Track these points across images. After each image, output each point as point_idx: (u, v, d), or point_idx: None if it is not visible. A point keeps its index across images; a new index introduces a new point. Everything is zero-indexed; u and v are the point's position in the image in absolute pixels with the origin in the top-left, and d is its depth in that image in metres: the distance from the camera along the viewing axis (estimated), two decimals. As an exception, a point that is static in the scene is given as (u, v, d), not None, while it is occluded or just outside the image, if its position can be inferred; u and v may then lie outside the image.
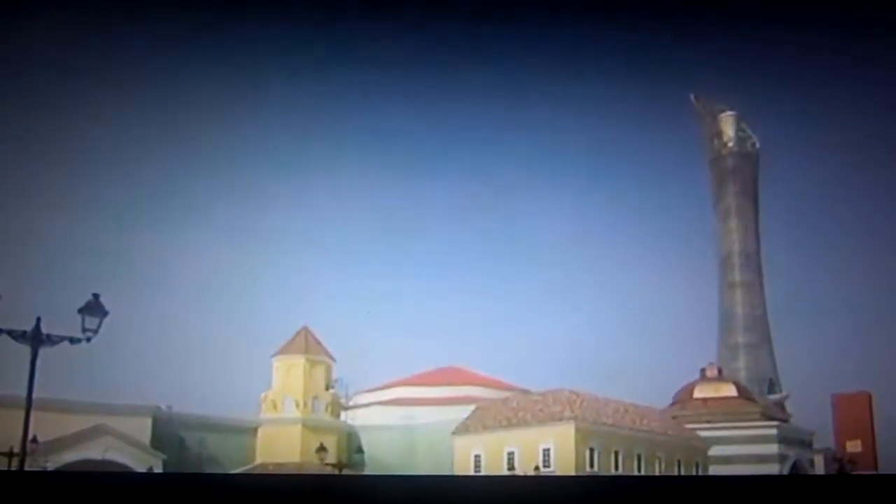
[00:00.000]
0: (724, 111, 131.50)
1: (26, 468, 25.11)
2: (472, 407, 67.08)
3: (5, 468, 32.36)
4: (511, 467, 57.72)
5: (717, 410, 79.38)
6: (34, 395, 17.25)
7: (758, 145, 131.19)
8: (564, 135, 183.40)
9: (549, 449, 57.65)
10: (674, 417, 73.87)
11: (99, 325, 17.07)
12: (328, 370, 68.50)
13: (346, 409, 71.49)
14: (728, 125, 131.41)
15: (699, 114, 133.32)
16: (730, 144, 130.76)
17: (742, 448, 73.57)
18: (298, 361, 66.62)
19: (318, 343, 68.56)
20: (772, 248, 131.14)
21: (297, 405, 65.41)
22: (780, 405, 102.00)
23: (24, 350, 17.06)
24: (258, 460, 62.83)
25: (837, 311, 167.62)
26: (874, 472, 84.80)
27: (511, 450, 59.47)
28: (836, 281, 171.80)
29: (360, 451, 59.48)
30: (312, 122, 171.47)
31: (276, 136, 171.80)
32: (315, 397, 66.35)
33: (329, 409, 67.08)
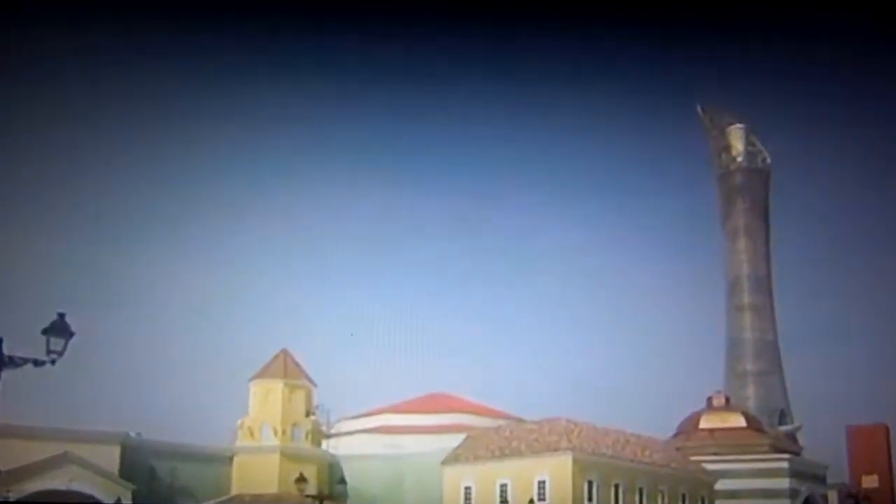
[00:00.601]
0: (732, 124, 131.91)
1: (-15, 498, 25.20)
2: (462, 435, 67.09)
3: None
4: (504, 500, 57.91)
5: (724, 442, 79.45)
6: (-5, 421, 17.41)
7: (769, 161, 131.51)
8: (564, 149, 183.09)
9: (545, 481, 57.70)
10: (678, 449, 74.01)
11: (64, 347, 17.16)
12: (308, 395, 68.46)
13: (328, 437, 71.38)
14: (737, 139, 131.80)
15: (706, 127, 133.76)
16: (739, 159, 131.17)
17: (751, 482, 73.67)
18: (277, 386, 66.59)
19: (298, 366, 68.55)
20: (783, 270, 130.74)
21: (276, 433, 65.34)
22: (791, 437, 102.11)
23: (-15, 373, 17.19)
24: (234, 491, 62.74)
25: (853, 337, 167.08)
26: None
27: (504, 482, 59.52)
28: (851, 305, 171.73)
29: (342, 481, 58.99)
30: (294, 135, 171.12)
31: (255, 150, 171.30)
32: (294, 424, 66.31)
33: (309, 436, 67.01)
